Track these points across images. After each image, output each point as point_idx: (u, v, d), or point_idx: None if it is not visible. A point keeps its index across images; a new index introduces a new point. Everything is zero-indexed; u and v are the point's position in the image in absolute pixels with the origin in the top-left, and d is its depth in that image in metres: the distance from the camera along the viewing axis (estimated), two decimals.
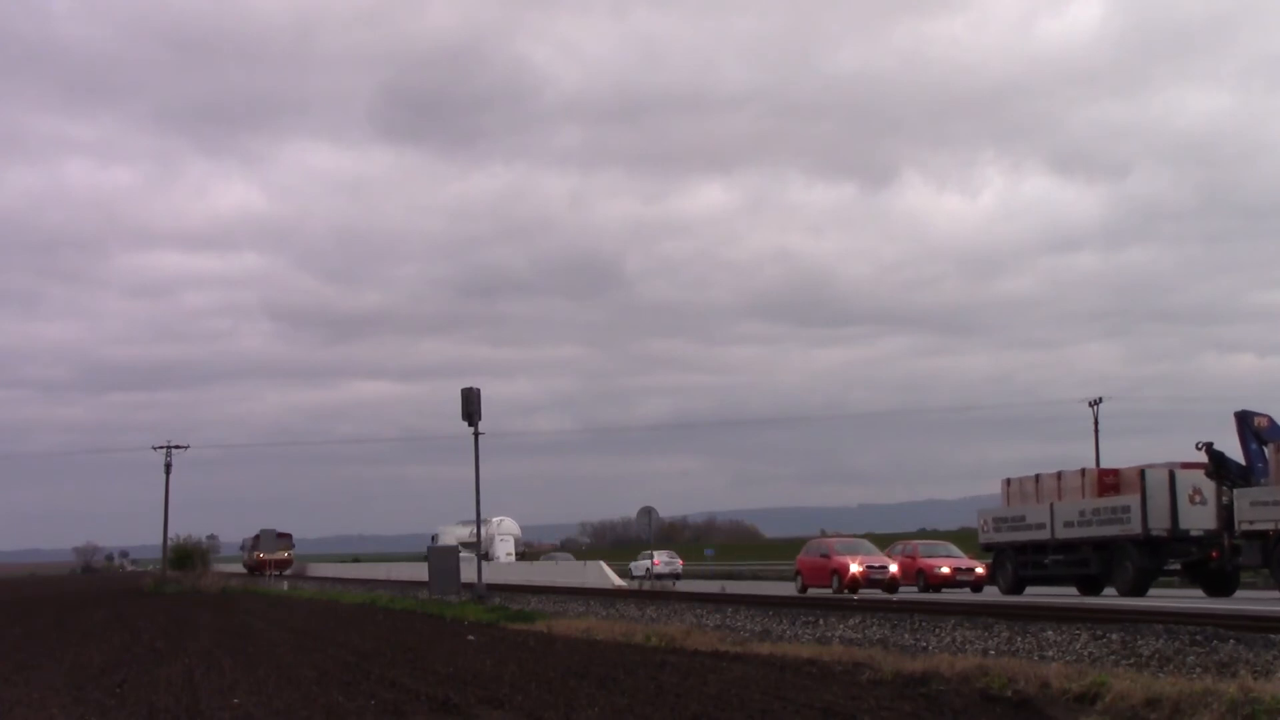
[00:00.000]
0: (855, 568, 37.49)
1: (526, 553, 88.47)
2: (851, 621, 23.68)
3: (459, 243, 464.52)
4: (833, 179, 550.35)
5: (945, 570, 38.74)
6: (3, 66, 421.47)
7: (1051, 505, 36.28)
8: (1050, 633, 19.01)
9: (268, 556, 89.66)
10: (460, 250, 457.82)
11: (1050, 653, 17.82)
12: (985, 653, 18.37)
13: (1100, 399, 67.94)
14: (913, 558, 39.85)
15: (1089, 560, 35.14)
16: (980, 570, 38.83)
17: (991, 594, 36.49)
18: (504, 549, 74.45)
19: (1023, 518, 37.33)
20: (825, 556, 39.30)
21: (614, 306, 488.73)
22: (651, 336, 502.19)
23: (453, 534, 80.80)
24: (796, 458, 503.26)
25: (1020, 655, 17.87)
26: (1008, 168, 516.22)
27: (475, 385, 44.52)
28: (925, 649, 19.78)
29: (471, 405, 43.90)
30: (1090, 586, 36.14)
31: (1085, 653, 17.42)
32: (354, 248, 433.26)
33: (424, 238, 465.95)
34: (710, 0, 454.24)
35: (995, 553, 38.57)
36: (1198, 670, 15.11)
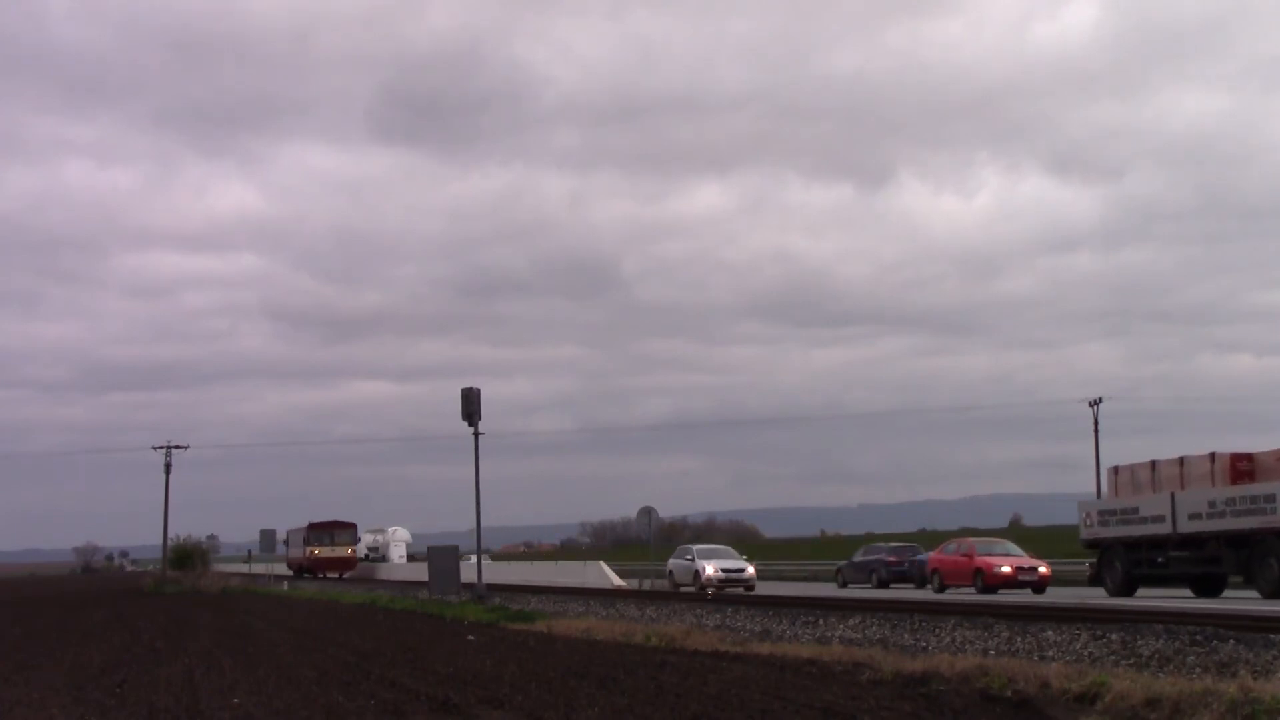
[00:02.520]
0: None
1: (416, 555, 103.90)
2: (851, 621, 23.68)
3: (458, 243, 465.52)
4: (830, 180, 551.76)
5: (1006, 570, 36.00)
6: (2, 68, 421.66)
7: (1173, 495, 32.20)
8: (1050, 633, 19.00)
9: (326, 554, 78.04)
10: (459, 251, 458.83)
11: (1050, 653, 17.81)
12: (985, 653, 18.36)
13: (1100, 399, 67.91)
14: (969, 556, 37.34)
15: (1220, 557, 31.06)
16: (1044, 570, 36.41)
17: (1056, 595, 33.68)
18: (397, 552, 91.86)
19: (1135, 510, 33.51)
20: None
21: (613, 307, 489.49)
22: (651, 337, 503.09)
23: (362, 541, 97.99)
24: (796, 458, 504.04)
25: (1020, 655, 17.86)
26: (1004, 168, 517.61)
27: (474, 385, 44.56)
28: (925, 649, 19.77)
29: (471, 405, 43.89)
30: (1211, 587, 32.23)
31: (1085, 653, 17.41)
32: (353, 248, 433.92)
33: (423, 238, 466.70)
34: (707, 2, 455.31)
35: (1101, 550, 34.81)
36: (1198, 670, 15.10)
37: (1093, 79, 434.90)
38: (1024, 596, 33.14)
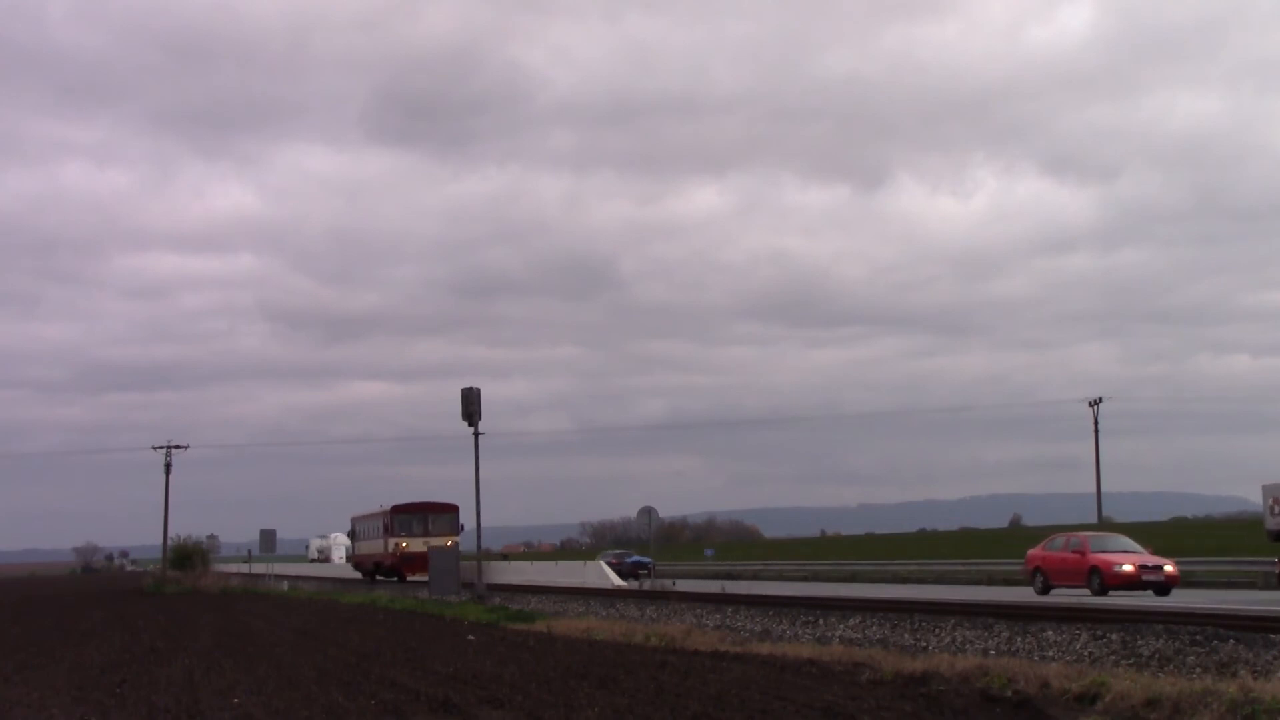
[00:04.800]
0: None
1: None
2: (851, 621, 23.67)
3: (455, 244, 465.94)
4: (826, 181, 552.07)
5: (1128, 569, 31.68)
6: (1, 70, 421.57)
7: None
8: (1050, 633, 19.00)
9: (419, 549, 56.61)
10: (456, 252, 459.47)
11: (1050, 653, 17.82)
12: (985, 653, 18.37)
13: (1100, 399, 67.98)
14: (1081, 553, 33.14)
15: None
16: (1170, 569, 32.14)
17: (1182, 599, 29.30)
18: (338, 554, 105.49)
19: None
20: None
21: (610, 308, 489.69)
22: (647, 337, 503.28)
23: (315, 545, 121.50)
24: (794, 458, 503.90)
25: (1020, 655, 17.87)
26: (1000, 170, 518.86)
27: (473, 386, 44.56)
28: (925, 649, 19.78)
29: (471, 405, 43.93)
30: None
31: (1085, 653, 17.42)
32: (350, 249, 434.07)
33: (420, 239, 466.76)
34: (703, 4, 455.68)
35: None
36: (1198, 670, 15.11)
37: (1088, 81, 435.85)
38: (1139, 599, 29.12)
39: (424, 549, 55.18)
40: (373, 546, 62.41)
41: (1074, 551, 33.37)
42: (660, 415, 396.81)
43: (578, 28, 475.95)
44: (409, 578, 57.83)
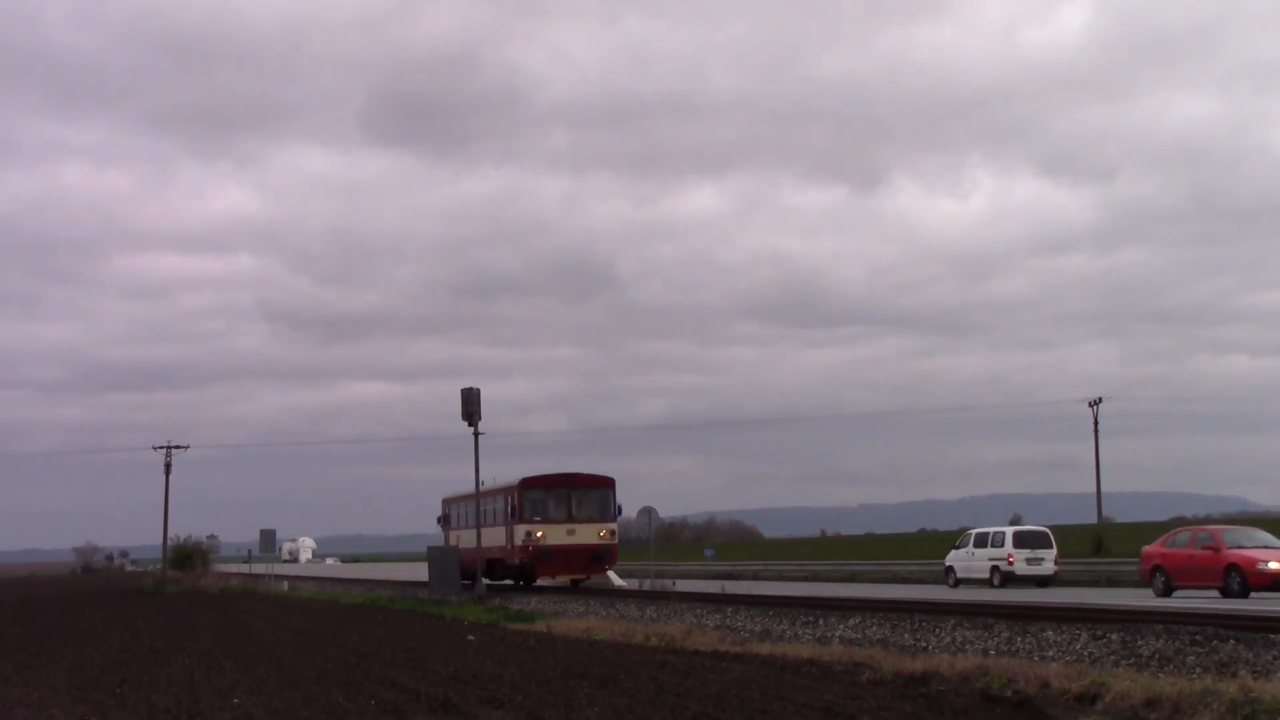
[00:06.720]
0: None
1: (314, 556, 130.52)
2: (851, 621, 23.65)
3: (454, 245, 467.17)
4: (824, 182, 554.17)
5: (1276, 566, 28.62)
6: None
7: None
8: (1050, 633, 18.99)
9: (563, 541, 41.41)
10: (455, 252, 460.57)
11: (1050, 653, 17.81)
12: (985, 653, 18.36)
13: (1100, 399, 67.95)
14: (1215, 549, 29.87)
15: None
16: None
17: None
18: (304, 555, 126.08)
19: None
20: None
21: (608, 308, 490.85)
22: (646, 338, 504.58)
23: (286, 547, 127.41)
24: (793, 458, 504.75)
25: (1020, 655, 17.86)
26: (998, 170, 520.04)
27: (472, 386, 44.47)
28: (925, 649, 19.77)
29: (471, 405, 43.82)
30: None
31: (1085, 653, 17.41)
32: (349, 250, 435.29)
33: (419, 240, 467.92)
34: (700, 6, 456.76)
35: None
36: (1198, 670, 15.10)
37: (1085, 81, 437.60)
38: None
39: (572, 542, 41.46)
40: (488, 537, 43.94)
41: (1205, 548, 30.30)
42: (660, 415, 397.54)
43: (576, 29, 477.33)
44: (543, 580, 43.15)
